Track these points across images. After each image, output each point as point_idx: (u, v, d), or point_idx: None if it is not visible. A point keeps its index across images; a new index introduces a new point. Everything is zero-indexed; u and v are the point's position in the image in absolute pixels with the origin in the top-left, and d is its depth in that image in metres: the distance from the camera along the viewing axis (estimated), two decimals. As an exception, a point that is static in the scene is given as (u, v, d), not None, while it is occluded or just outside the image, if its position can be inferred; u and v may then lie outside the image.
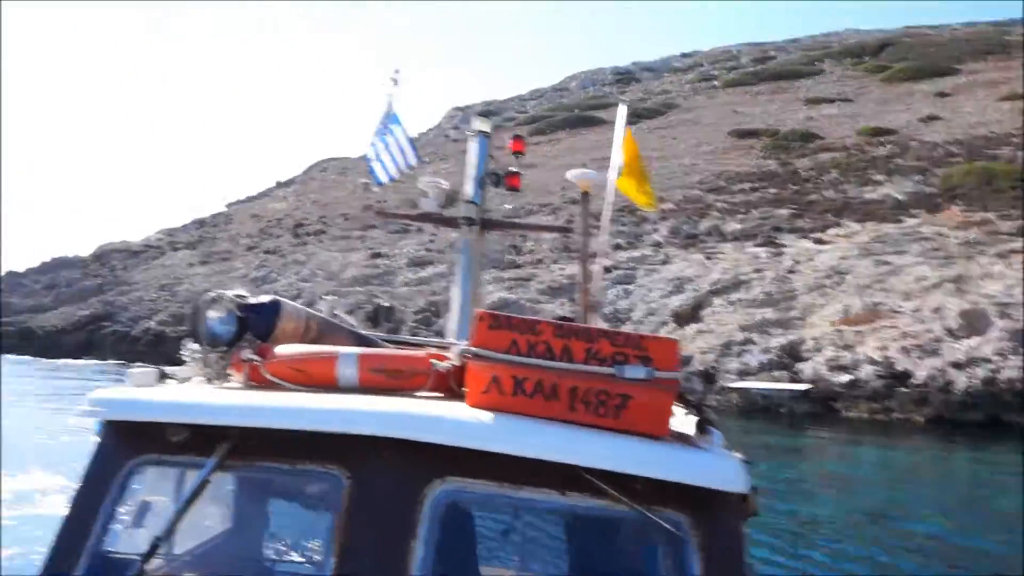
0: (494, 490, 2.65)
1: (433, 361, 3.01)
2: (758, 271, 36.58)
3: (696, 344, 31.87)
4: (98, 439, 2.95)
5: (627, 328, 34.89)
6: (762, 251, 38.71)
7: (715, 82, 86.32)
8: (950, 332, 32.15)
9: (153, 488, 3.09)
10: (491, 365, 2.64)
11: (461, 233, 5.59)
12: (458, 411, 2.67)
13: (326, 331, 3.65)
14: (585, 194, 5.43)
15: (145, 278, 56.42)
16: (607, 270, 39.80)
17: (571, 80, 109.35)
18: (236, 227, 65.78)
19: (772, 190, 45.97)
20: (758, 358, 30.32)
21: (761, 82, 79.34)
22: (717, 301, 35.95)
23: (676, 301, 36.16)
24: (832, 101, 65.28)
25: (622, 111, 5.88)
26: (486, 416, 2.62)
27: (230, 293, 3.18)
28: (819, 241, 39.20)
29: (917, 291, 34.41)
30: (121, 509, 2.86)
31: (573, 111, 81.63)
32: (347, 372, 2.97)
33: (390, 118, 6.51)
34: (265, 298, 3.30)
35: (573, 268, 41.15)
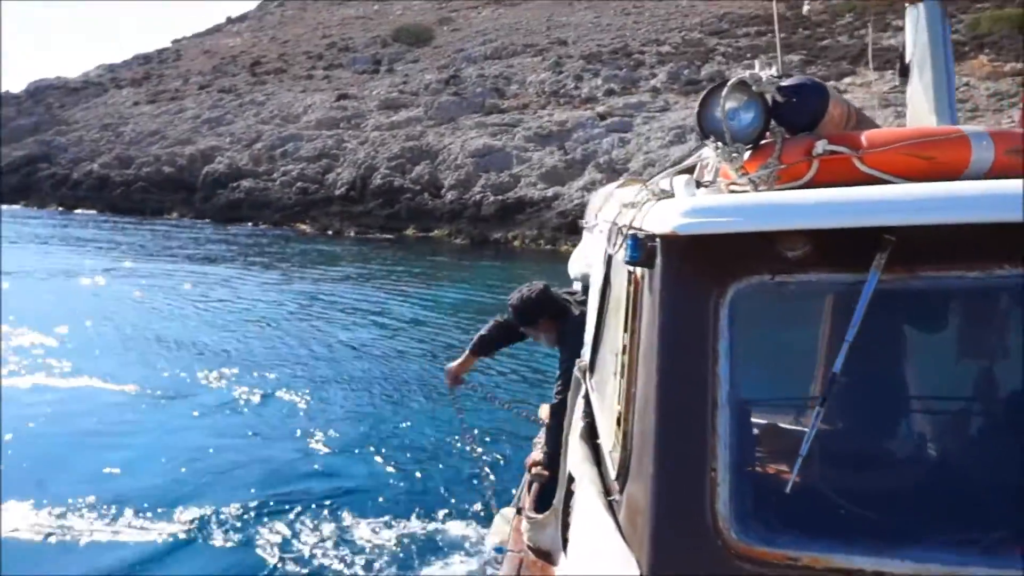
0: None
1: None
2: (770, 120, 33.51)
3: (704, 198, 29.16)
4: (672, 262, 2.27)
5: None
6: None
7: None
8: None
9: (754, 319, 2.36)
10: None
11: (926, 3, 4.12)
12: None
13: (862, 120, 3.05)
14: None
15: (85, 117, 51.28)
16: (601, 117, 36.27)
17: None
18: (186, 64, 60.00)
19: (781, 35, 42.01)
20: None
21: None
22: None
23: (677, 151, 32.94)
24: (839, -58, 60.09)
25: None
26: None
27: (764, 74, 2.49)
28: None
29: (940, 146, 31.72)
30: (731, 348, 2.20)
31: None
32: (984, 155, 2.29)
33: None
34: (795, 80, 2.56)
35: (562, 114, 37.46)
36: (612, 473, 2.53)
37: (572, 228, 30.46)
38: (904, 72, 4.19)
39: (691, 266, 2.27)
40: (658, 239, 2.29)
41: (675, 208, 2.25)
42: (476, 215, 32.69)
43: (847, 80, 36.58)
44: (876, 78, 36.64)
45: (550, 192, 32.63)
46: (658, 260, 2.30)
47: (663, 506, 2.16)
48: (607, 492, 2.58)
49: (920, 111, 4.02)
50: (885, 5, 42.44)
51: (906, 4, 4.30)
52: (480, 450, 8.97)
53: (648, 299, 2.34)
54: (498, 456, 8.90)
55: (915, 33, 4.14)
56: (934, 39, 4.02)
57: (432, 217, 33.61)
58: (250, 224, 35.52)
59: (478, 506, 7.60)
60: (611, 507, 2.47)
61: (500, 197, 32.98)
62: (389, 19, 60.80)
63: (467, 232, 32.04)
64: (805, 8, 39.16)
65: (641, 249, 2.35)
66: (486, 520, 7.15)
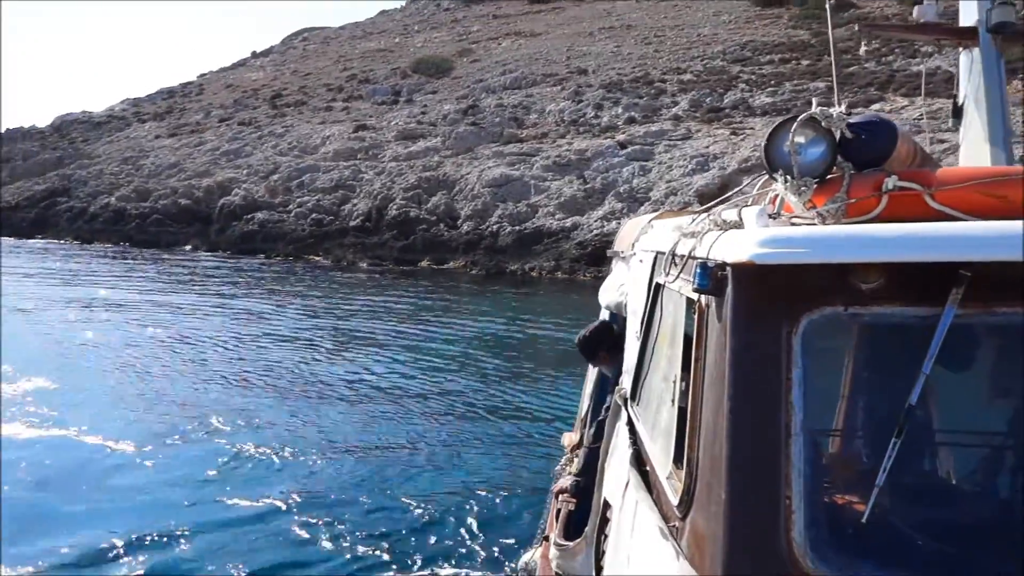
0: None
1: None
2: (796, 147, 32.59)
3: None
4: (744, 291, 2.29)
5: (645, 209, 30.93)
6: (797, 126, 34.52)
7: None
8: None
9: (825, 349, 2.44)
10: None
11: (982, 47, 4.17)
12: None
13: (925, 158, 3.18)
14: None
15: (107, 151, 51.45)
16: (621, 145, 35.46)
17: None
18: (208, 98, 60.29)
19: (805, 62, 41.17)
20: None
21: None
22: (747, 181, 31.90)
23: (700, 180, 32.00)
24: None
25: None
26: None
27: (834, 111, 2.55)
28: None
29: (974, 173, 30.61)
30: (805, 376, 2.23)
31: (576, -20, 74.72)
32: None
33: None
34: (864, 118, 2.63)
35: (581, 143, 36.71)
36: (673, 500, 2.54)
37: (591, 259, 29.51)
38: (957, 113, 4.35)
39: (764, 295, 2.29)
40: (729, 268, 2.29)
41: (751, 238, 2.26)
42: (492, 246, 31.87)
43: (875, 107, 35.55)
44: (906, 104, 35.56)
45: (568, 222, 31.76)
46: (728, 289, 2.31)
47: (737, 533, 2.17)
48: (665, 518, 2.60)
49: (974, 151, 4.10)
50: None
51: (960, 48, 4.46)
52: (500, 479, 8.97)
53: (716, 327, 2.36)
54: (518, 485, 8.78)
55: (969, 75, 4.27)
56: (989, 81, 4.13)
57: (447, 248, 32.84)
58: (263, 256, 34.96)
59: (502, 535, 7.51)
60: (671, 533, 2.48)
61: (517, 227, 32.18)
62: (410, 51, 60.79)
63: (483, 263, 31.21)
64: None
65: (710, 277, 2.34)
66: (512, 548, 7.16)
